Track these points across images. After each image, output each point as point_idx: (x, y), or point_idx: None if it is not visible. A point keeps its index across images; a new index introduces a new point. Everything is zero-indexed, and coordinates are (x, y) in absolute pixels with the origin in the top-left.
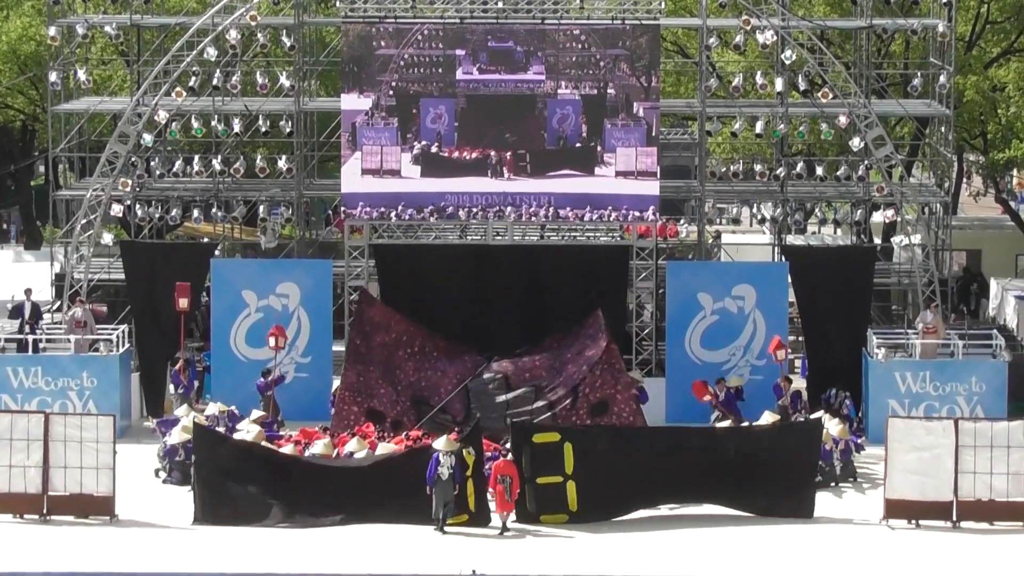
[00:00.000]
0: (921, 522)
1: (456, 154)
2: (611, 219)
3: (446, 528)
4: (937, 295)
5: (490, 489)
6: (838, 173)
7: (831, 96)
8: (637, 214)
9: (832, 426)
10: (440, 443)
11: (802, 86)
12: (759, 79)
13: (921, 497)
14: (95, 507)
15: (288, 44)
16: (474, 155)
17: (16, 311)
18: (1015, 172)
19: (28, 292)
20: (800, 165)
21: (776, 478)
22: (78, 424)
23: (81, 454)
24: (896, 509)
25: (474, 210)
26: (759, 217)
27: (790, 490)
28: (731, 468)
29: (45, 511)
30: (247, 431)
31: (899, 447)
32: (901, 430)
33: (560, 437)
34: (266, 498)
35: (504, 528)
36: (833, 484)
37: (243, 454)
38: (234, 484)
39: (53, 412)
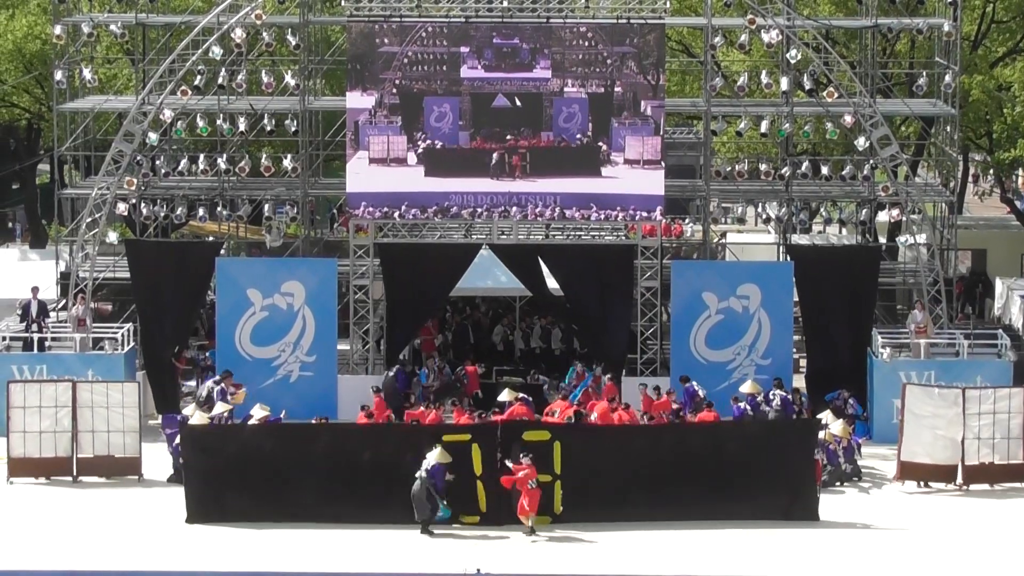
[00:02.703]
0: (931, 490)
1: (460, 153)
2: (618, 219)
3: (433, 530)
4: (943, 295)
5: (523, 498)
6: (843, 173)
7: (836, 95)
8: (644, 214)
9: (835, 426)
10: (434, 455)
11: (807, 85)
12: (764, 78)
13: (931, 460)
14: (123, 468)
15: (293, 43)
16: (479, 154)
17: (25, 311)
18: (1021, 172)
19: (35, 290)
20: (805, 164)
21: (776, 480)
22: (104, 391)
23: (108, 419)
24: (909, 471)
25: (479, 210)
26: (764, 216)
27: (792, 492)
28: (729, 471)
29: (75, 473)
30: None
31: (914, 413)
32: (917, 396)
33: (550, 436)
34: (261, 497)
35: (531, 530)
36: (838, 483)
37: (238, 452)
38: (226, 484)
39: (80, 380)
